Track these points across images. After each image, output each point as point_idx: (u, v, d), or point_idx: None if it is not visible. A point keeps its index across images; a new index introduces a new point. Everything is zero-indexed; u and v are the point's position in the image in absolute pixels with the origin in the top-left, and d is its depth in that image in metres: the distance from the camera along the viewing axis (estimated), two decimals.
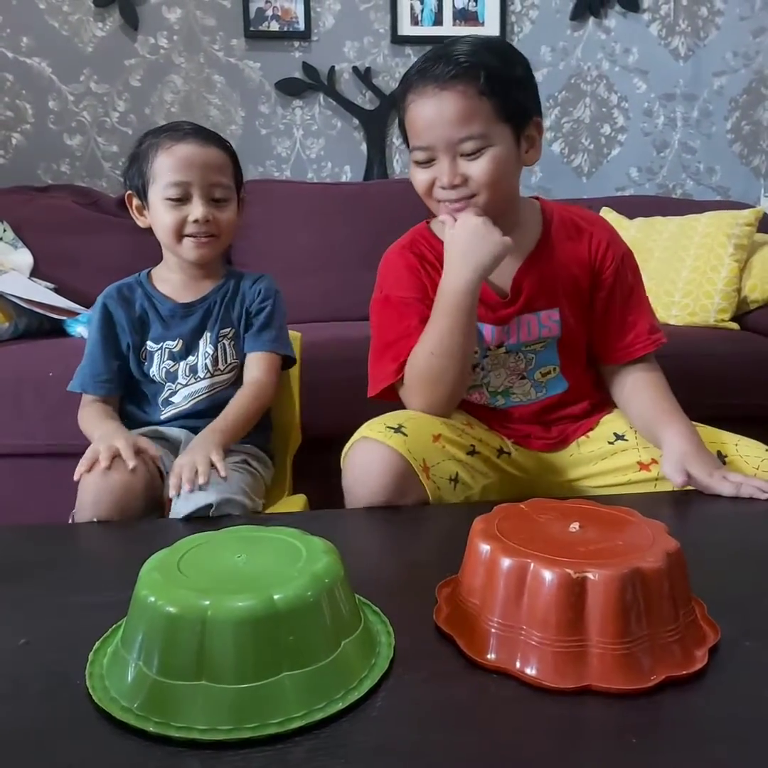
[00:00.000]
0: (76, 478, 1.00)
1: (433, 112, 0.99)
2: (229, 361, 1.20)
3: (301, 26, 2.48)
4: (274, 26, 2.47)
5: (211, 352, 1.18)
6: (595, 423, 1.17)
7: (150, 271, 1.23)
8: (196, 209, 1.11)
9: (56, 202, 2.20)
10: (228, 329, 1.20)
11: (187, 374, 1.17)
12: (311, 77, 2.51)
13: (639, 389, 1.12)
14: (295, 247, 2.21)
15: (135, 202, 1.18)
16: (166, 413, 1.18)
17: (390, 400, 1.11)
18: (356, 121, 2.57)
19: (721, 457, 1.04)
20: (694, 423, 1.07)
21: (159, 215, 1.13)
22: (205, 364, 1.18)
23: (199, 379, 1.18)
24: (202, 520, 0.95)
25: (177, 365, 1.17)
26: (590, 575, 0.56)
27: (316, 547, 0.60)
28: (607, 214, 2.24)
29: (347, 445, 1.01)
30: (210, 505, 0.96)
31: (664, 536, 0.62)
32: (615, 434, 1.14)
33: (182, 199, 1.11)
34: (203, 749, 0.49)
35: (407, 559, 0.83)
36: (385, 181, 2.52)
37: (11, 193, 2.20)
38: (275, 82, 2.51)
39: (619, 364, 1.15)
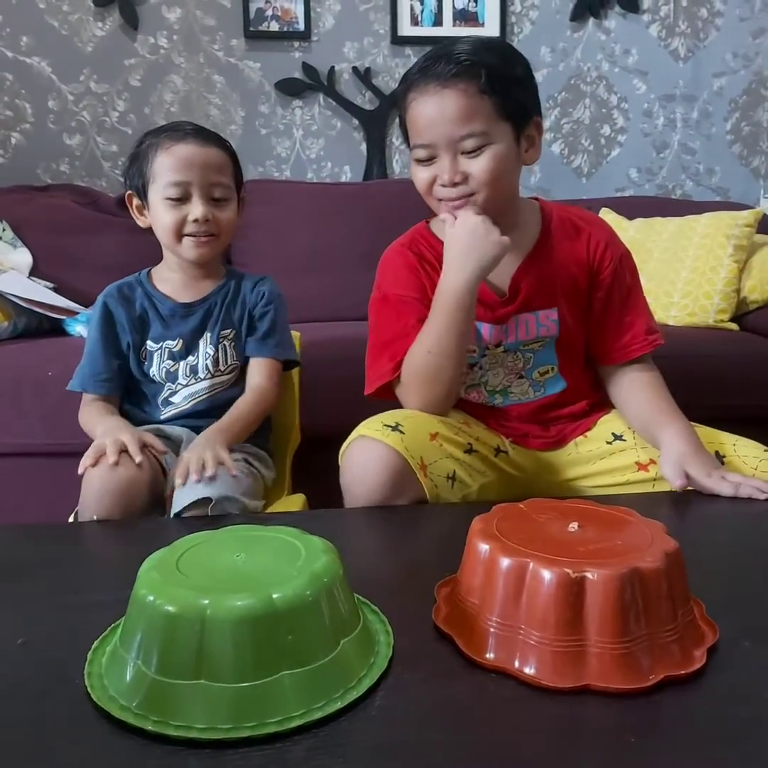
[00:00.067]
0: (80, 472, 1.00)
1: (435, 110, 1.00)
2: (229, 362, 1.20)
3: (301, 26, 2.48)
4: (274, 26, 2.47)
5: (211, 352, 1.18)
6: (593, 423, 1.17)
7: (150, 270, 1.23)
8: (196, 209, 1.11)
9: (56, 202, 2.20)
10: (229, 330, 1.20)
11: (188, 375, 1.18)
12: (311, 77, 2.51)
13: (636, 390, 1.13)
14: (295, 246, 2.21)
15: (135, 201, 1.18)
16: (166, 413, 1.18)
17: (387, 398, 1.11)
18: (356, 122, 2.57)
19: (719, 458, 1.04)
20: (692, 423, 1.07)
21: (159, 215, 1.13)
22: (206, 364, 1.18)
23: (199, 379, 1.18)
24: (200, 519, 0.95)
25: (177, 365, 1.17)
26: (589, 575, 0.56)
27: (315, 546, 0.60)
28: (607, 214, 2.24)
29: (345, 444, 1.01)
30: (209, 499, 0.96)
31: (663, 536, 0.62)
32: (613, 434, 1.14)
33: (182, 199, 1.11)
34: (202, 748, 0.49)
35: (406, 558, 0.83)
36: (385, 181, 2.52)
37: (11, 192, 2.20)
38: (275, 82, 2.51)
39: (617, 365, 1.15)
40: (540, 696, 0.55)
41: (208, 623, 0.51)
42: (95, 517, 0.96)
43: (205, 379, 1.18)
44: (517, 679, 0.56)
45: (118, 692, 0.53)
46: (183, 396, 1.18)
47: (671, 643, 0.57)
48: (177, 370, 1.17)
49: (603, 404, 1.19)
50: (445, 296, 1.04)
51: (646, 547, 0.60)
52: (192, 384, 1.18)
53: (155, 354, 1.17)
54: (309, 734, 0.50)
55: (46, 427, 1.55)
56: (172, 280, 1.21)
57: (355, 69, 2.53)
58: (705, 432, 1.08)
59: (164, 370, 1.17)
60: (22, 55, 2.39)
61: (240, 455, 1.13)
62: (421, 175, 1.05)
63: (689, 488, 0.98)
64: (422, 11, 2.53)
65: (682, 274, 2.03)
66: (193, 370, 1.18)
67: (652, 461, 1.08)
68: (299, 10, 2.47)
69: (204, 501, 0.96)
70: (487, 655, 0.58)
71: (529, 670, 0.56)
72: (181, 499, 0.97)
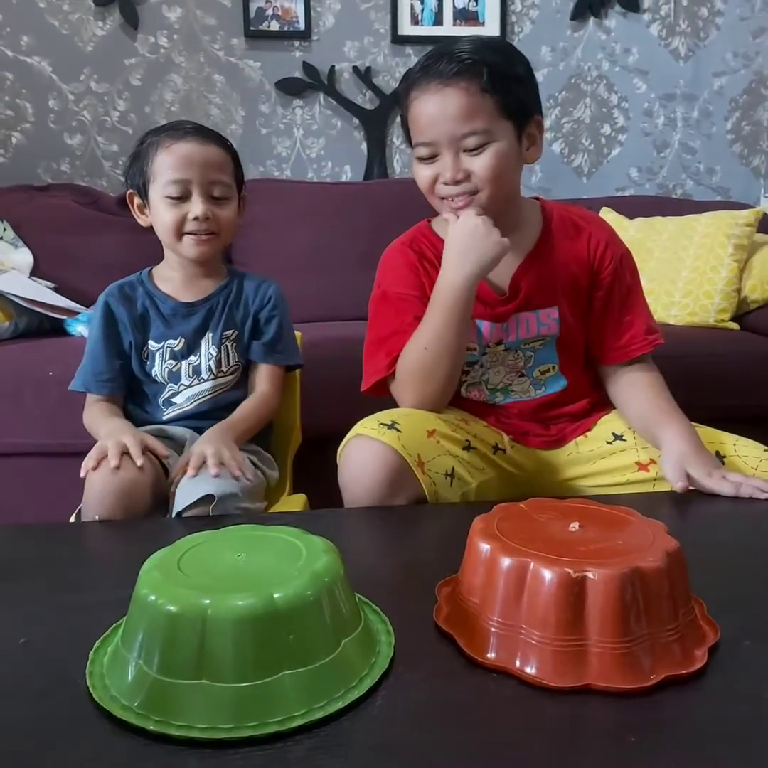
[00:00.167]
0: (82, 474, 1.00)
1: (437, 108, 1.00)
2: (231, 363, 1.20)
3: (302, 26, 2.48)
4: (275, 26, 2.47)
5: (214, 353, 1.18)
6: (593, 423, 1.17)
7: (151, 270, 1.23)
8: (196, 207, 1.11)
9: (56, 202, 2.20)
10: (231, 331, 1.20)
11: (191, 375, 1.18)
12: (311, 77, 2.51)
13: (637, 390, 1.13)
14: (296, 246, 2.21)
15: (136, 200, 1.18)
16: (169, 414, 1.18)
17: (383, 395, 1.12)
18: (356, 121, 2.57)
19: (720, 457, 1.04)
20: (692, 423, 1.07)
21: (159, 213, 1.13)
22: (209, 365, 1.18)
23: (202, 380, 1.18)
24: (202, 519, 0.95)
25: (179, 365, 1.17)
26: (590, 575, 0.56)
27: (316, 546, 0.60)
28: (607, 214, 2.24)
29: (342, 443, 1.02)
30: (212, 498, 0.96)
31: (664, 536, 0.62)
32: (613, 434, 1.14)
33: (182, 197, 1.11)
34: (203, 748, 0.49)
35: (407, 558, 0.83)
36: (385, 181, 2.52)
37: (11, 192, 2.20)
38: (275, 81, 2.51)
39: (617, 364, 1.15)
40: (541, 696, 0.55)
41: (209, 623, 0.51)
42: (102, 512, 0.96)
43: (208, 379, 1.18)
44: (518, 678, 0.56)
45: (119, 692, 0.53)
46: (186, 397, 1.18)
47: (672, 643, 0.57)
48: (179, 370, 1.17)
49: (603, 404, 1.19)
50: (443, 294, 1.04)
51: (647, 547, 0.60)
52: (195, 385, 1.18)
53: (157, 354, 1.17)
54: (310, 734, 0.50)
55: (47, 427, 1.55)
56: (173, 279, 1.21)
57: (355, 68, 2.53)
58: (705, 432, 1.08)
59: (166, 370, 1.17)
60: (23, 54, 2.39)
61: (244, 456, 1.13)
62: (423, 174, 1.05)
63: (690, 488, 0.98)
64: (422, 10, 2.52)
65: (683, 273, 2.03)
66: (196, 371, 1.18)
67: (653, 461, 1.08)
68: (299, 10, 2.47)
69: (206, 499, 0.96)
70: (488, 655, 0.58)
71: (530, 670, 0.56)
72: (183, 497, 0.97)
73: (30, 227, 2.10)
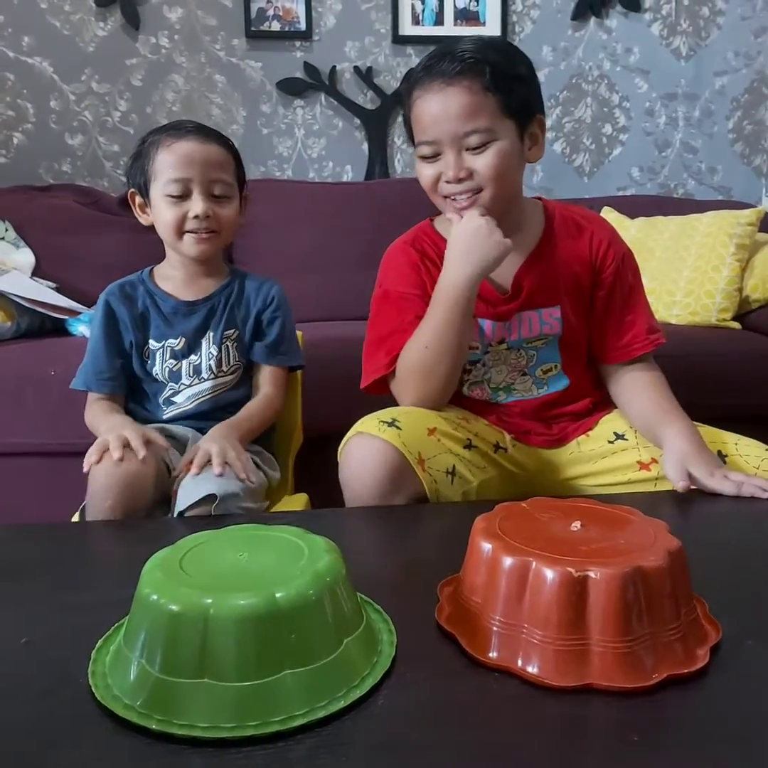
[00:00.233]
0: (86, 469, 1.00)
1: (439, 106, 1.00)
2: (232, 363, 1.20)
3: (303, 26, 2.48)
4: (276, 26, 2.47)
5: (214, 353, 1.18)
6: (594, 422, 1.17)
7: (152, 268, 1.23)
8: (196, 205, 1.11)
9: (58, 202, 2.20)
10: (232, 331, 1.20)
11: (191, 375, 1.18)
12: (312, 77, 2.51)
13: (638, 389, 1.13)
14: (297, 246, 2.21)
15: (137, 200, 1.18)
16: (169, 413, 1.18)
17: (383, 393, 1.12)
18: (357, 121, 2.57)
19: (721, 457, 1.04)
20: (693, 422, 1.07)
21: (160, 212, 1.13)
22: (210, 365, 1.18)
23: (203, 379, 1.18)
24: (204, 519, 0.95)
25: (179, 364, 1.17)
26: (592, 574, 0.56)
27: (318, 545, 0.60)
28: (609, 213, 2.24)
29: (343, 441, 1.02)
30: (214, 497, 0.96)
31: (666, 535, 0.62)
32: (615, 433, 1.14)
33: (182, 196, 1.11)
34: (205, 747, 0.49)
35: (409, 557, 0.83)
36: (387, 181, 2.52)
37: (13, 192, 2.20)
38: (276, 81, 2.51)
39: (618, 364, 1.15)
40: (543, 695, 0.55)
41: (211, 622, 0.51)
42: (107, 505, 0.96)
43: (208, 379, 1.18)
44: (520, 678, 0.56)
45: (121, 691, 0.54)
46: (186, 396, 1.18)
47: (674, 642, 0.57)
48: (180, 369, 1.18)
49: (605, 403, 1.19)
50: (445, 293, 1.04)
51: (649, 546, 0.60)
52: (195, 384, 1.18)
53: (157, 353, 1.17)
54: (312, 733, 0.50)
55: (49, 426, 1.55)
56: (174, 278, 1.21)
57: (356, 68, 2.53)
58: (707, 431, 1.08)
59: (167, 369, 1.17)
60: (24, 55, 2.40)
61: (247, 456, 1.13)
62: (425, 172, 1.06)
63: (692, 487, 0.98)
64: (423, 10, 2.52)
65: (684, 273, 2.03)
66: (197, 371, 1.18)
67: (654, 460, 1.08)
68: (300, 10, 2.47)
69: (208, 499, 0.96)
70: (490, 654, 0.58)
71: (532, 669, 0.56)
72: (185, 496, 0.97)
73: (31, 227, 2.10)
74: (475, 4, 2.53)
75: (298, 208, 2.25)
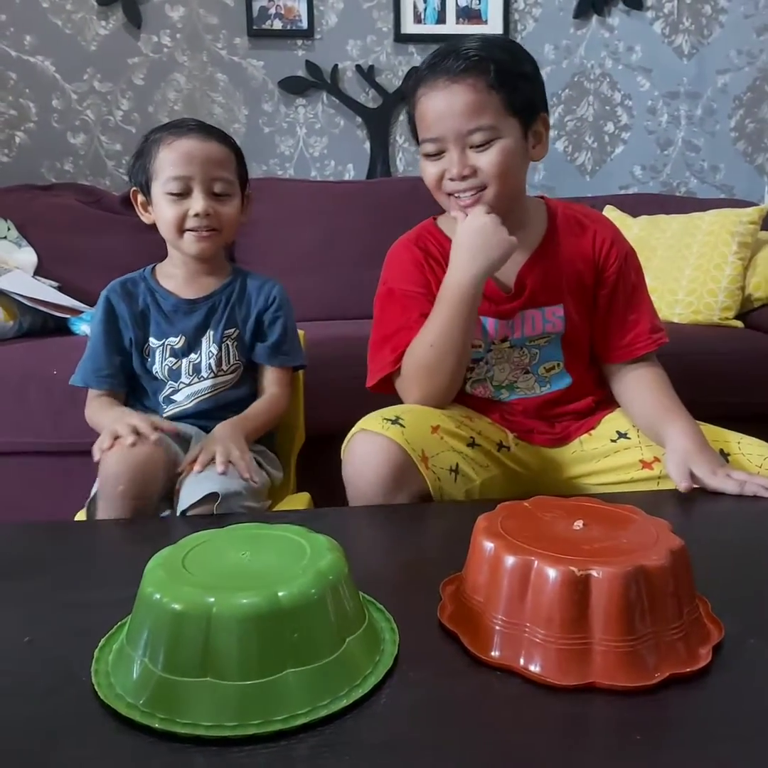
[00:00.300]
0: (96, 458, 1.01)
1: (444, 104, 1.01)
2: (232, 362, 1.20)
3: (304, 24, 2.48)
4: (277, 24, 2.47)
5: (215, 352, 1.18)
6: (597, 421, 1.17)
7: (154, 266, 1.23)
8: (197, 203, 1.11)
9: (60, 201, 2.20)
10: (233, 330, 1.20)
11: (191, 374, 1.18)
12: (314, 75, 2.51)
13: (641, 388, 1.13)
14: (298, 244, 2.21)
15: (140, 198, 1.18)
16: (169, 411, 1.18)
17: (389, 392, 1.12)
18: (359, 120, 2.57)
19: (724, 455, 1.04)
20: (696, 421, 1.06)
21: (161, 210, 1.13)
22: (209, 364, 1.18)
23: (202, 378, 1.18)
24: (206, 518, 0.95)
25: (179, 362, 1.17)
26: (594, 573, 0.56)
27: (321, 544, 0.60)
28: (611, 212, 2.24)
29: (346, 439, 1.02)
30: (216, 495, 0.96)
31: (668, 534, 0.62)
32: (617, 432, 1.14)
33: (183, 194, 1.11)
34: (208, 745, 0.49)
35: (411, 556, 0.83)
36: (388, 180, 2.52)
37: (15, 191, 2.20)
38: (278, 80, 2.51)
39: (621, 363, 1.15)
40: (545, 694, 0.55)
41: (214, 621, 0.51)
42: (119, 490, 0.96)
43: (208, 378, 1.18)
44: (522, 676, 0.56)
45: (124, 690, 0.54)
46: (185, 394, 1.18)
47: (677, 641, 0.57)
48: (179, 367, 1.18)
49: (608, 402, 1.19)
50: (450, 291, 1.04)
51: (652, 545, 0.60)
52: (195, 383, 1.18)
53: (157, 351, 1.17)
54: (314, 732, 0.51)
55: (52, 425, 1.55)
56: (176, 276, 1.21)
57: (358, 67, 2.53)
58: (709, 430, 1.08)
59: (167, 367, 1.17)
60: (26, 54, 2.40)
61: (250, 455, 1.13)
62: (429, 170, 1.06)
63: (694, 487, 0.98)
64: (425, 9, 2.52)
65: (687, 271, 2.03)
66: (196, 369, 1.18)
67: (657, 459, 1.08)
68: (302, 9, 2.47)
69: (210, 497, 0.96)
70: (493, 653, 0.58)
71: (534, 668, 0.56)
72: (188, 495, 0.97)
73: (34, 226, 2.11)
74: (477, 2, 2.53)
75: (299, 207, 2.25)
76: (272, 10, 2.46)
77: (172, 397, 1.18)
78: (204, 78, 2.49)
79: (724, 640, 0.60)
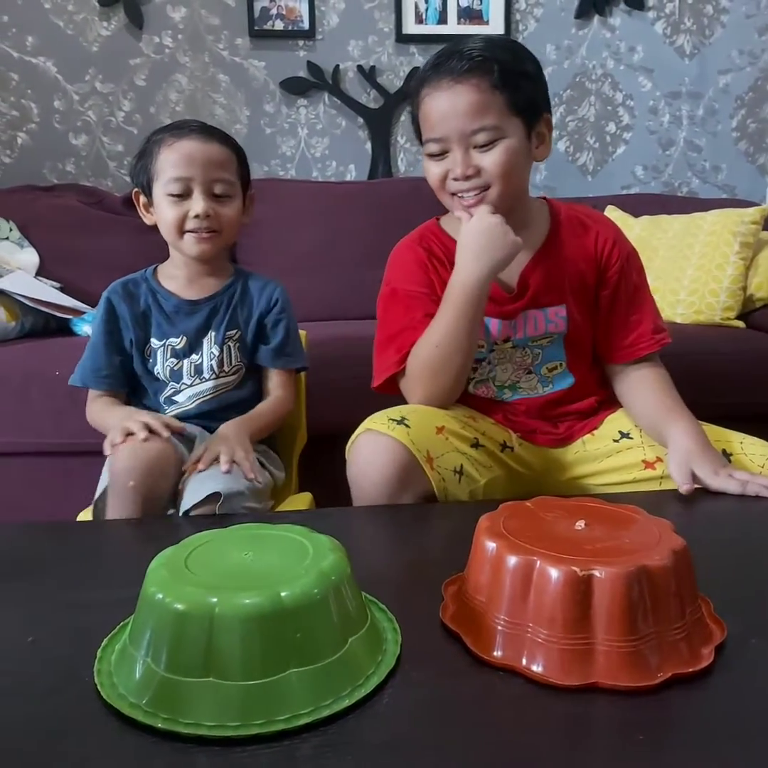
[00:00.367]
0: (108, 452, 1.01)
1: (447, 104, 1.01)
2: (233, 363, 1.20)
3: (306, 25, 2.48)
4: (279, 25, 2.47)
5: (216, 353, 1.18)
6: (600, 421, 1.17)
7: (156, 267, 1.23)
8: (197, 204, 1.11)
9: (62, 202, 2.20)
10: (234, 331, 1.20)
11: (192, 374, 1.18)
12: (316, 76, 2.51)
13: (643, 388, 1.13)
14: (300, 245, 2.21)
15: (142, 199, 1.18)
16: (170, 412, 1.18)
17: (394, 393, 1.12)
18: (361, 120, 2.57)
19: (726, 455, 1.04)
20: (698, 421, 1.06)
21: (162, 211, 1.13)
22: (211, 365, 1.18)
23: (204, 379, 1.18)
24: (208, 518, 0.95)
25: (181, 363, 1.17)
26: (596, 573, 0.56)
27: (323, 544, 0.60)
28: (613, 212, 2.24)
29: (351, 438, 1.02)
30: (219, 495, 0.96)
31: (671, 534, 0.62)
32: (620, 432, 1.14)
33: (183, 195, 1.11)
34: (211, 745, 0.49)
35: (413, 556, 0.83)
36: (390, 180, 2.52)
37: (17, 192, 2.20)
38: (280, 81, 2.51)
39: (624, 363, 1.15)
40: (547, 694, 0.55)
41: (216, 621, 0.51)
42: (130, 485, 0.97)
43: (209, 379, 1.18)
44: (524, 676, 0.56)
45: (127, 690, 0.54)
46: (187, 396, 1.18)
47: (679, 641, 0.57)
48: (181, 368, 1.18)
49: (610, 402, 1.19)
50: (456, 291, 1.04)
51: (654, 545, 0.60)
52: (196, 384, 1.18)
53: (158, 351, 1.17)
54: (317, 732, 0.51)
55: (53, 426, 1.56)
56: (178, 277, 1.21)
57: (359, 67, 2.53)
58: (711, 430, 1.08)
59: (168, 368, 1.17)
60: (28, 55, 2.40)
61: (254, 455, 1.13)
62: (433, 170, 1.06)
63: (696, 487, 0.98)
64: (427, 9, 2.52)
65: (689, 271, 2.03)
66: (198, 370, 1.18)
67: (659, 459, 1.08)
68: (304, 9, 2.47)
69: (213, 497, 0.96)
70: (495, 653, 0.58)
71: (536, 668, 0.56)
72: (190, 495, 0.97)
73: (35, 227, 2.11)
74: (479, 2, 2.53)
75: (301, 208, 2.26)
76: (274, 11, 2.46)
77: (173, 397, 1.18)
78: (205, 79, 2.49)
79: (726, 640, 0.60)
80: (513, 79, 1.00)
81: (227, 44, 2.48)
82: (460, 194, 1.05)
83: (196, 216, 1.11)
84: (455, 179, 1.04)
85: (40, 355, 1.69)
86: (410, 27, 2.52)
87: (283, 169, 2.58)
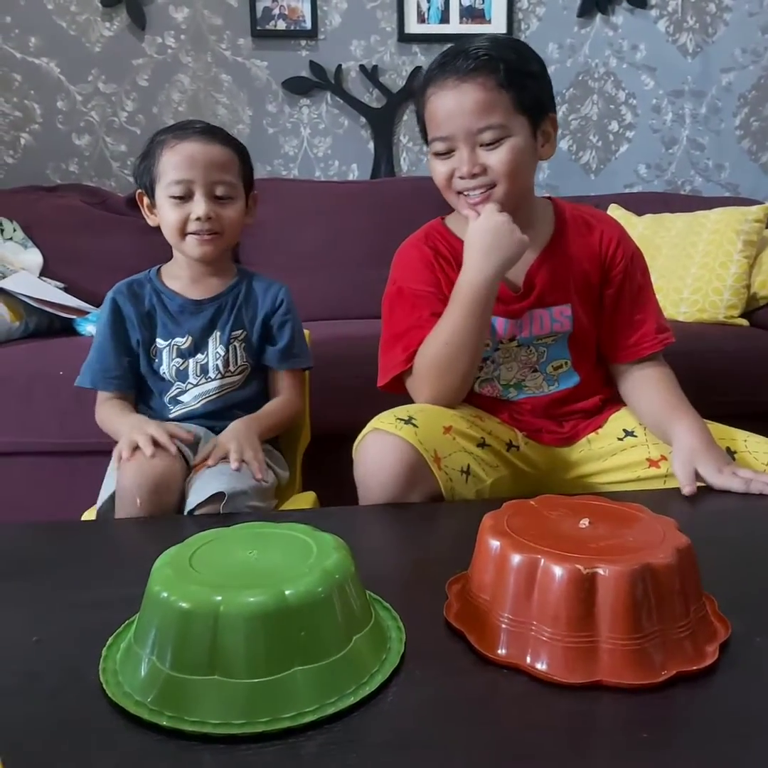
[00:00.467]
0: (115, 464, 1.02)
1: (453, 103, 1.01)
2: (239, 363, 1.20)
3: (308, 25, 2.48)
4: (281, 25, 2.48)
5: (222, 353, 1.18)
6: (604, 420, 1.17)
7: (160, 267, 1.24)
8: (198, 207, 1.11)
9: (65, 202, 2.21)
10: (240, 331, 1.20)
11: (198, 374, 1.18)
12: (318, 76, 2.51)
13: (648, 387, 1.13)
14: (303, 245, 2.22)
15: (145, 200, 1.18)
16: (176, 412, 1.18)
17: (400, 392, 1.12)
18: (363, 120, 2.57)
19: (730, 453, 1.04)
20: (702, 419, 1.06)
21: (164, 213, 1.14)
22: (217, 365, 1.18)
23: (209, 379, 1.18)
24: (213, 517, 0.95)
25: (186, 363, 1.18)
26: (600, 571, 0.56)
27: (327, 543, 0.60)
28: (616, 210, 2.23)
29: (358, 438, 1.02)
30: (223, 494, 0.96)
31: (675, 532, 0.62)
32: (624, 431, 1.14)
33: (185, 197, 1.11)
34: (216, 743, 0.50)
35: (417, 555, 0.83)
36: (393, 180, 2.52)
37: (20, 192, 2.21)
38: (282, 80, 2.51)
39: (628, 363, 1.15)
40: (552, 692, 0.55)
41: (221, 619, 0.51)
42: (137, 503, 0.97)
43: (215, 379, 1.18)
44: (528, 674, 0.56)
45: (132, 688, 0.54)
46: (193, 395, 1.18)
47: (683, 639, 0.57)
48: (186, 368, 1.18)
49: (615, 400, 1.19)
50: (464, 290, 1.04)
51: (658, 544, 0.60)
52: (202, 384, 1.18)
53: (164, 351, 1.18)
54: (322, 730, 0.51)
55: (57, 426, 1.56)
56: (182, 277, 1.21)
57: (362, 67, 2.53)
58: (716, 428, 1.08)
59: (174, 368, 1.17)
60: (31, 55, 2.40)
61: (262, 455, 1.13)
62: (439, 169, 1.06)
63: (700, 483, 0.98)
64: (429, 9, 2.52)
65: (692, 269, 2.02)
66: (204, 370, 1.18)
67: (664, 457, 1.08)
68: (306, 9, 2.47)
69: (217, 497, 0.97)
70: (499, 651, 0.59)
71: (540, 666, 0.56)
72: (195, 495, 0.98)
73: (39, 228, 2.11)
74: (481, 1, 2.53)
75: (304, 207, 2.26)
76: (276, 11, 2.47)
77: (178, 397, 1.18)
78: (208, 79, 2.50)
79: (730, 638, 0.60)
80: (519, 78, 1.01)
81: (230, 44, 2.48)
82: (466, 192, 1.05)
83: (198, 218, 1.11)
84: (461, 178, 1.04)
85: (44, 355, 1.70)
86: (412, 26, 2.52)
87: (286, 169, 2.58)
